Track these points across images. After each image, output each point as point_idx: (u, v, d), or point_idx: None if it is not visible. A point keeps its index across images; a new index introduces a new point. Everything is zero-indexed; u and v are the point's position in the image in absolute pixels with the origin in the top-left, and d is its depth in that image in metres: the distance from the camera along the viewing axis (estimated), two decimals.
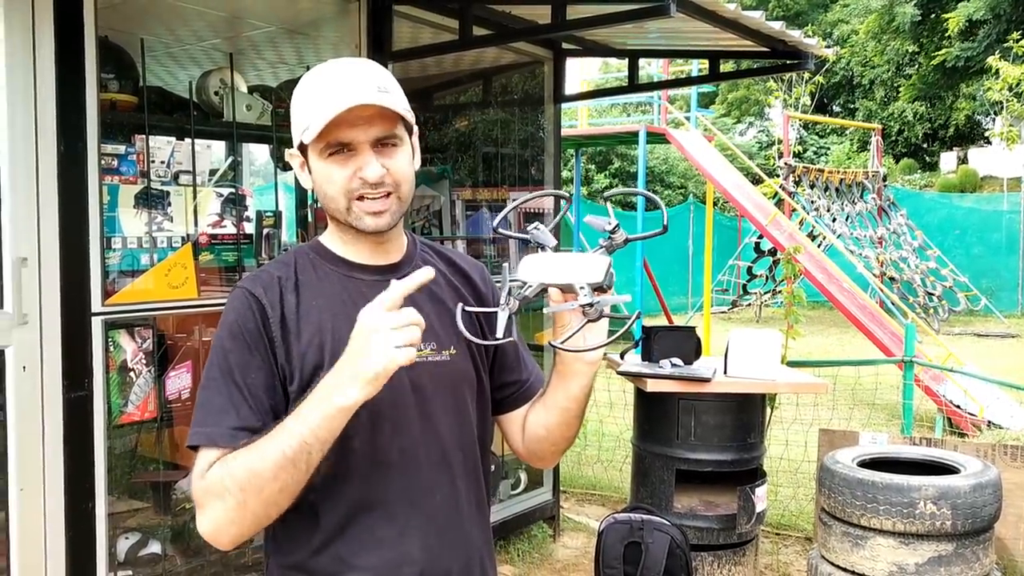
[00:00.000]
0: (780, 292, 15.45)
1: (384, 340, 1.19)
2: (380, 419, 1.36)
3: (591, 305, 1.25)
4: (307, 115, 1.34)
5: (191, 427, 1.33)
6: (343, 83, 1.34)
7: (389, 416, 1.37)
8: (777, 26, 3.80)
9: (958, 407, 7.03)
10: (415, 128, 1.44)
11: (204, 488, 1.27)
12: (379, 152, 1.36)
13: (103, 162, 2.76)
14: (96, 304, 2.69)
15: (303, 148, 1.39)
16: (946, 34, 22.77)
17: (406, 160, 1.40)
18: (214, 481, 1.26)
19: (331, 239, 1.47)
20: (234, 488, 1.24)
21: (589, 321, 1.27)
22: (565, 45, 4.75)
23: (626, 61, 5.11)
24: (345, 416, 1.23)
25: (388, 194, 1.37)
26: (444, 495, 1.42)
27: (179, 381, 3.08)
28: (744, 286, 16.40)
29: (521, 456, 1.58)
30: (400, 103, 1.36)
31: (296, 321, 1.37)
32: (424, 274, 1.25)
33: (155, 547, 3.11)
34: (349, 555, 1.36)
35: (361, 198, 1.36)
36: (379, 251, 1.46)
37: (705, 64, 5.14)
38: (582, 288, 1.26)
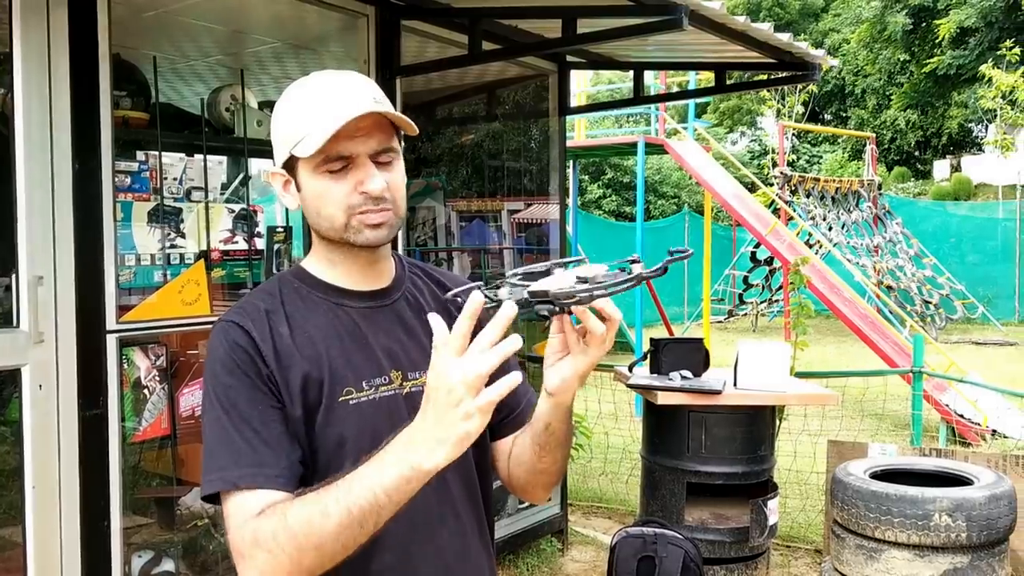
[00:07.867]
0: (777, 301, 15.50)
1: (465, 402, 1.09)
2: None
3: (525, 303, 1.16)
4: (300, 129, 1.28)
5: (204, 475, 1.25)
6: (338, 94, 1.28)
7: None
8: (785, 37, 3.81)
9: (962, 416, 7.04)
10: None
11: (251, 539, 1.18)
12: (377, 167, 1.30)
13: (116, 179, 2.75)
14: (111, 322, 2.67)
15: (289, 165, 1.33)
16: (937, 42, 22.93)
17: (402, 175, 1.35)
18: (264, 534, 1.17)
19: (316, 263, 1.40)
20: (288, 545, 1.15)
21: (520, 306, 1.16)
22: (570, 58, 4.76)
23: (620, 72, 5.13)
24: (425, 479, 1.13)
25: (387, 208, 1.32)
26: (451, 528, 1.37)
27: (192, 398, 3.07)
28: (740, 296, 16.44)
29: (507, 486, 1.50)
30: (396, 113, 1.31)
31: (290, 355, 1.29)
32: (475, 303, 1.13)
33: (168, 564, 3.09)
34: None
35: (361, 212, 1.30)
36: (370, 273, 1.39)
37: (703, 75, 5.14)
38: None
